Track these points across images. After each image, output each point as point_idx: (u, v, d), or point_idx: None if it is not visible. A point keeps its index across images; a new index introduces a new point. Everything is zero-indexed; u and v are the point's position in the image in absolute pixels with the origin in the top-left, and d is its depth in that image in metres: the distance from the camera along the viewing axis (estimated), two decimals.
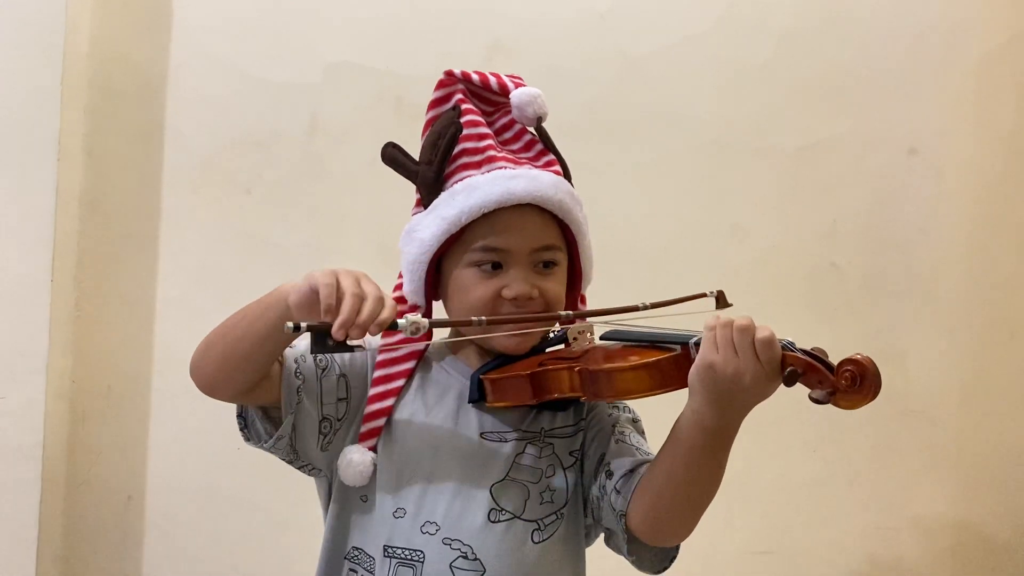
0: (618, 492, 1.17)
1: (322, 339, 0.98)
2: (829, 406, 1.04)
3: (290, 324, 0.96)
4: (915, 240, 2.26)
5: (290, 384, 1.18)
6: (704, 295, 1.25)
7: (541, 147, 1.31)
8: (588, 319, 1.21)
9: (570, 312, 1.19)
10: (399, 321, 1.00)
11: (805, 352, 1.03)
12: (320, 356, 1.22)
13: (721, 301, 1.26)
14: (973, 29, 2.27)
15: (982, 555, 2.25)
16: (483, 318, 1.13)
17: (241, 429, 1.21)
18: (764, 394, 1.04)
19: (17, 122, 2.08)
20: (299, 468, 1.26)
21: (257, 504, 2.16)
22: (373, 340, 1.29)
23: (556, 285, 1.25)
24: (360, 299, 0.99)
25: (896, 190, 2.27)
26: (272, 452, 1.22)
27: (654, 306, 1.20)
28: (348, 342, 0.98)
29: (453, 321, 1.13)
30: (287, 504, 2.05)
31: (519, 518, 1.20)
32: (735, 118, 2.27)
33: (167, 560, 2.21)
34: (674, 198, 2.24)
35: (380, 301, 1.00)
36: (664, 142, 2.26)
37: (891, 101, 2.27)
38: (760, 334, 1.02)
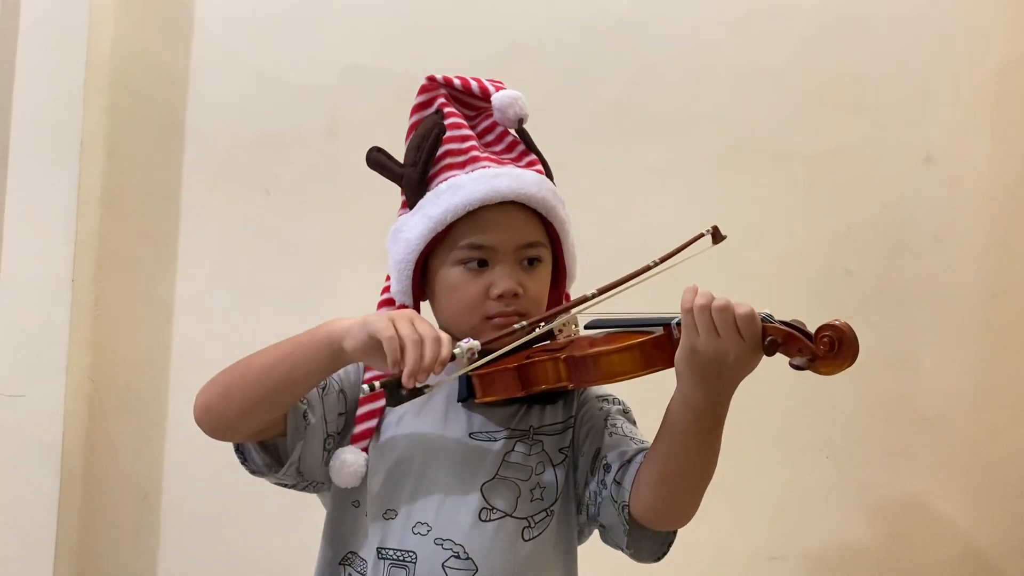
0: (618, 483, 1.18)
1: (395, 391, 1.02)
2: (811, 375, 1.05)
3: (365, 387, 1.02)
4: (930, 247, 2.25)
5: (296, 410, 1.19)
6: (701, 235, 1.28)
7: (523, 148, 1.33)
8: (600, 296, 1.21)
9: (593, 291, 1.20)
10: (455, 351, 1.04)
11: (784, 323, 1.05)
12: None
13: (717, 237, 1.29)
14: (991, 37, 2.26)
15: (994, 562, 2.24)
16: (524, 323, 1.15)
17: (242, 463, 1.23)
18: (748, 368, 1.06)
19: (40, 122, 2.10)
20: (303, 489, 1.28)
21: (273, 503, 2.16)
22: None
23: (540, 282, 1.27)
24: (421, 344, 1.02)
25: (911, 197, 2.26)
26: (280, 481, 1.24)
27: (664, 259, 1.23)
28: (418, 386, 1.02)
29: (504, 335, 1.14)
30: (303, 503, 2.06)
31: (510, 516, 1.21)
32: (751, 124, 2.27)
33: (182, 557, 2.22)
34: (688, 203, 2.25)
35: (438, 341, 1.03)
36: (679, 147, 2.26)
37: (907, 108, 2.27)
38: (740, 311, 1.03)
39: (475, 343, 1.06)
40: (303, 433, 1.20)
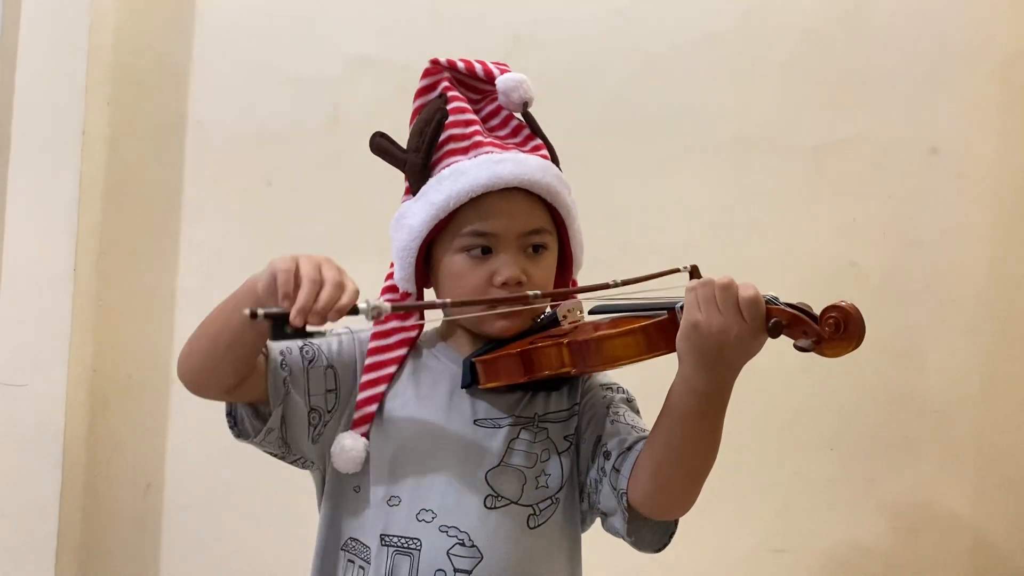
0: (617, 471, 1.17)
1: (280, 326, 0.94)
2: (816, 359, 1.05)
3: (247, 311, 0.92)
4: (935, 240, 2.24)
5: (276, 377, 1.19)
6: (677, 270, 1.25)
7: (528, 132, 1.32)
8: (563, 297, 1.21)
9: (538, 292, 1.17)
10: (359, 305, 0.97)
11: (789, 305, 1.04)
12: (306, 347, 1.23)
13: (695, 276, 1.25)
14: (997, 28, 2.25)
15: (1000, 556, 2.23)
16: (447, 300, 1.12)
17: (231, 427, 1.22)
18: (751, 350, 1.04)
19: (42, 113, 2.10)
20: (291, 462, 1.27)
21: (275, 493, 2.17)
22: (360, 328, 1.29)
23: (545, 269, 1.26)
24: (318, 285, 0.96)
25: (917, 190, 2.25)
26: (263, 447, 1.23)
27: (625, 283, 1.20)
28: (307, 328, 0.95)
29: (416, 305, 1.12)
30: (306, 493, 2.06)
31: (515, 504, 1.21)
32: (756, 116, 2.26)
33: (184, 548, 2.23)
34: (693, 195, 2.24)
35: (339, 287, 0.97)
36: (684, 139, 2.25)
37: (913, 100, 2.26)
38: (744, 292, 1.02)
39: (386, 305, 0.99)
40: (281, 399, 1.19)
